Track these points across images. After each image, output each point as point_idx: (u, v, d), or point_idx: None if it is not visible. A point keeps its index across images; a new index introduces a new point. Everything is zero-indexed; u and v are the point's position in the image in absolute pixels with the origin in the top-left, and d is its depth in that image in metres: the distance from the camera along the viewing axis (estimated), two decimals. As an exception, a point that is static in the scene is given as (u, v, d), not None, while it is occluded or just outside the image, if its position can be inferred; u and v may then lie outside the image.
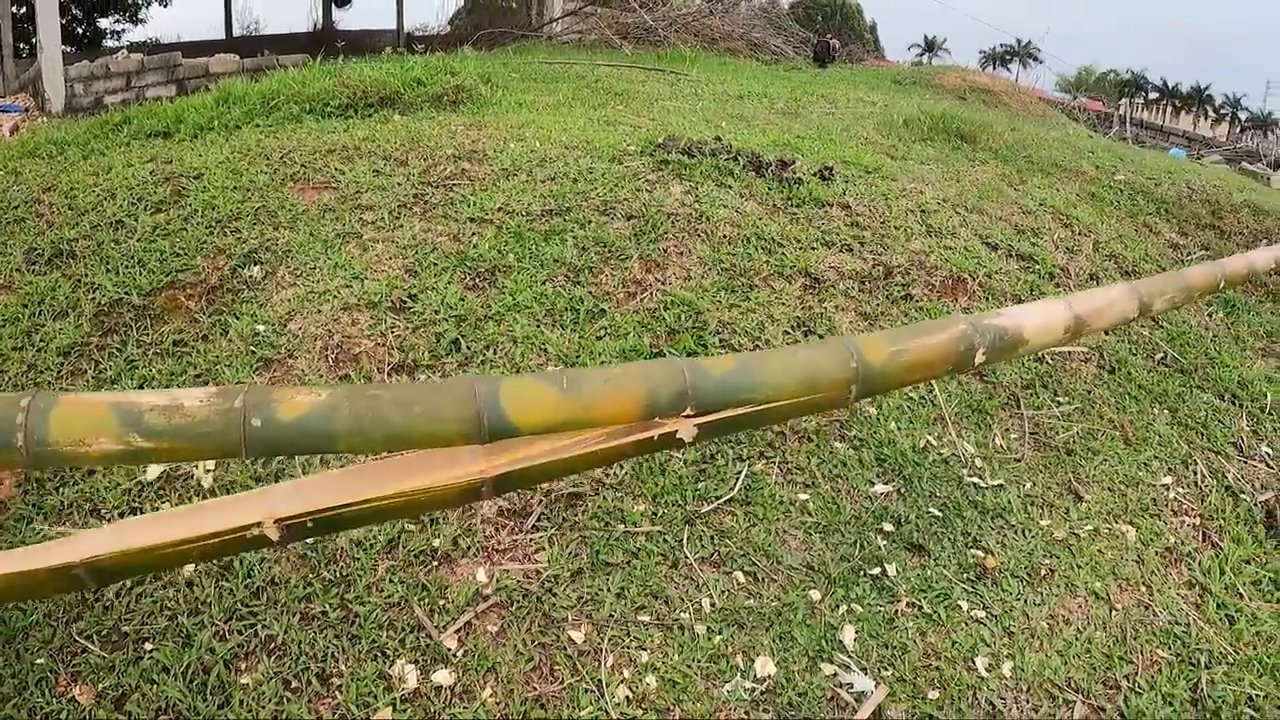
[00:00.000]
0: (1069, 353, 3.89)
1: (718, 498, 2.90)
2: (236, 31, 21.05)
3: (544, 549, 2.65)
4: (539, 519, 2.73)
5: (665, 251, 4.01)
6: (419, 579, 2.52)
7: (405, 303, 3.45)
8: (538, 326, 3.43)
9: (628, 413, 1.51)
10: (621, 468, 2.91)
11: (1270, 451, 3.73)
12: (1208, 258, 5.23)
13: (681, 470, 2.97)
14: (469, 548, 2.62)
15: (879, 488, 3.06)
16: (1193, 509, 3.31)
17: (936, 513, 2.99)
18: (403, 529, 2.62)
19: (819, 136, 5.92)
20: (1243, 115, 62.64)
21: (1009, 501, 3.08)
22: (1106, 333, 4.10)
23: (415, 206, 4.09)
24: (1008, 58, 74.87)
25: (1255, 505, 3.40)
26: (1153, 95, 70.35)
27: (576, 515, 2.76)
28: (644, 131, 5.46)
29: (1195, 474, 3.48)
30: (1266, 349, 4.59)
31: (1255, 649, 2.81)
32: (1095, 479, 3.30)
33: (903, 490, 3.07)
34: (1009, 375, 3.68)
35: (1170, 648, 2.74)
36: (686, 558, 2.69)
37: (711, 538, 2.77)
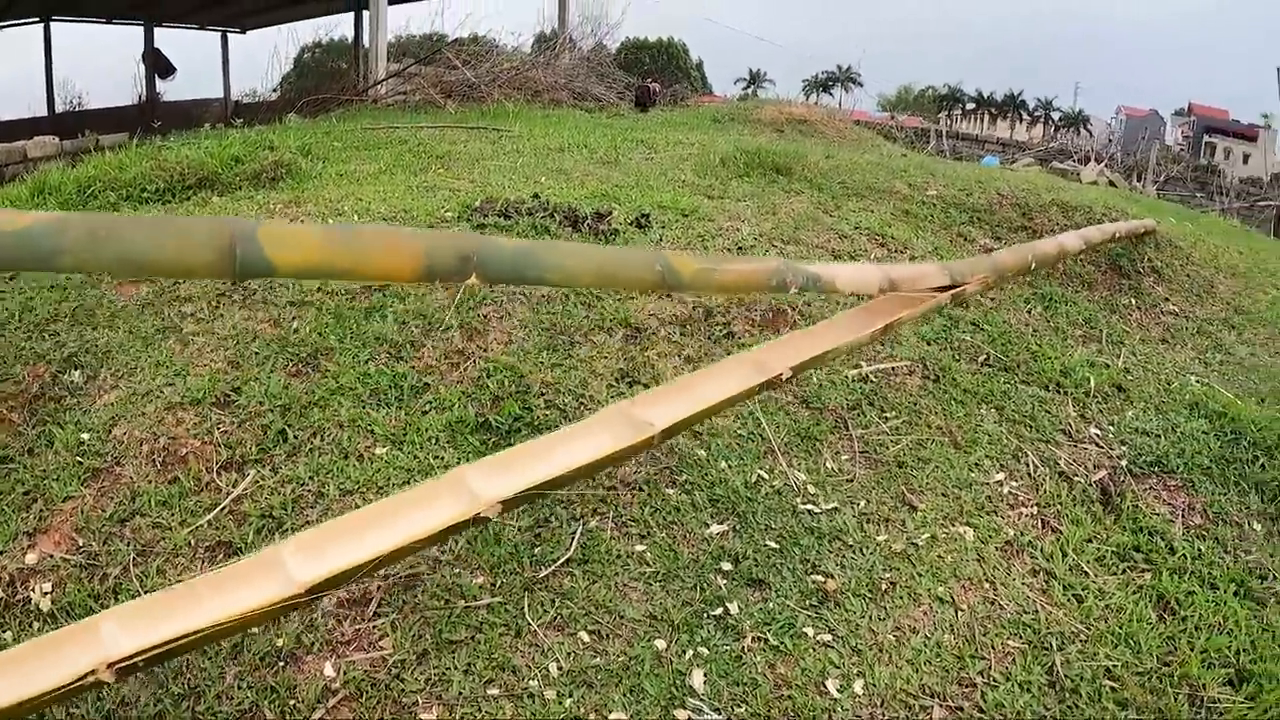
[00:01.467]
0: (891, 369, 4.08)
1: (555, 560, 2.92)
2: (60, 106, 20.26)
3: (388, 634, 2.62)
4: (379, 605, 2.70)
5: (485, 317, 4.06)
6: (267, 682, 2.46)
7: (229, 396, 3.40)
8: (363, 408, 3.42)
9: (401, 269, 1.49)
10: (456, 541, 2.90)
11: (1098, 432, 3.97)
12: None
13: (516, 537, 2.98)
14: (313, 644, 2.57)
15: (714, 528, 3.13)
16: (1029, 500, 3.49)
17: (774, 545, 3.07)
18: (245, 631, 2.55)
19: (637, 184, 6.10)
20: (1055, 115, 67.35)
21: (845, 523, 3.19)
22: (929, 343, 4.32)
23: (235, 294, 4.05)
24: (830, 84, 78.90)
25: (1090, 485, 3.61)
26: (970, 106, 75.09)
27: (416, 596, 2.74)
28: (463, 195, 5.52)
29: (1027, 466, 3.67)
30: (1086, 335, 4.91)
31: (1106, 622, 2.96)
32: (928, 487, 3.45)
33: (738, 527, 3.14)
34: (834, 399, 3.83)
35: (1021, 636, 2.86)
36: (530, 625, 2.70)
37: (553, 601, 2.78)
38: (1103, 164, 18.78)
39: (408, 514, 1.84)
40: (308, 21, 22.46)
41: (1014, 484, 3.56)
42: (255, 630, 2.57)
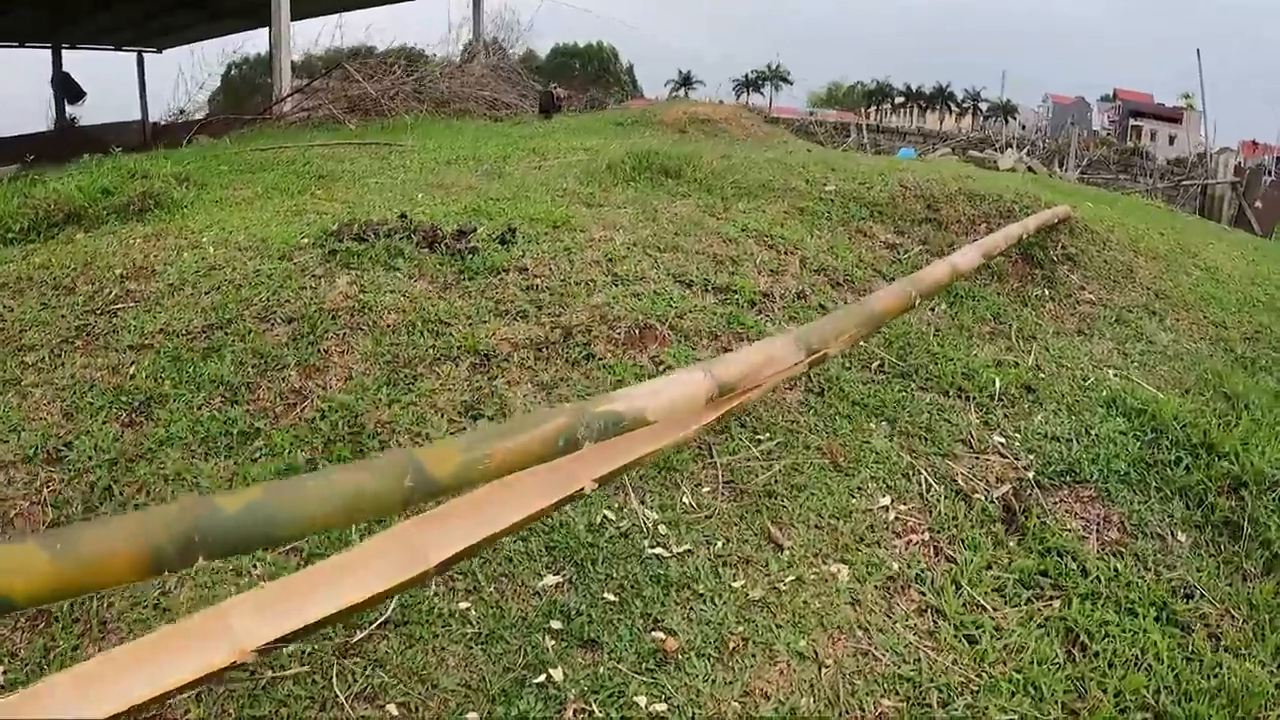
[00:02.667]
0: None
1: (371, 622, 2.59)
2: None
3: (190, 709, 2.33)
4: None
5: (326, 353, 3.77)
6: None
7: (60, 451, 3.23)
8: (191, 459, 3.22)
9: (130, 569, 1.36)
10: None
11: (1003, 440, 3.64)
12: (926, 251, 5.27)
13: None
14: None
15: (548, 580, 2.74)
16: (919, 525, 3.13)
17: (612, 597, 2.68)
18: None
19: (515, 195, 5.71)
20: (983, 106, 68.56)
21: (697, 568, 2.80)
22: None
23: (78, 340, 3.85)
24: (760, 83, 79.79)
25: (991, 503, 3.27)
26: (899, 100, 76.28)
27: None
28: (329, 218, 5.14)
29: (920, 485, 3.32)
30: (994, 332, 4.59)
31: (1003, 667, 2.62)
32: (800, 519, 3.08)
33: (574, 579, 2.75)
34: (698, 419, 3.44)
35: (898, 693, 2.49)
36: (336, 696, 2.40)
37: (364, 669, 2.47)
38: (1022, 151, 18.76)
39: (166, 658, 1.60)
40: (237, 36, 22.03)
41: (902, 507, 3.19)
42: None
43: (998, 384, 3.98)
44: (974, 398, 3.90)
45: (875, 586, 2.81)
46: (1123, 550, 3.11)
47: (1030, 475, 3.40)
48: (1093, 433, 3.67)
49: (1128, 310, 5.07)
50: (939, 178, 6.06)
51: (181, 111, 16.13)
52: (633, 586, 2.73)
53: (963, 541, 3.06)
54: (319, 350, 3.76)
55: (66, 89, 19.89)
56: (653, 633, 2.57)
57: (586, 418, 1.84)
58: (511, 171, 6.90)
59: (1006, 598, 2.87)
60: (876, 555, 2.95)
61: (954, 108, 74.40)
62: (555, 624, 2.61)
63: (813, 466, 3.34)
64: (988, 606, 2.82)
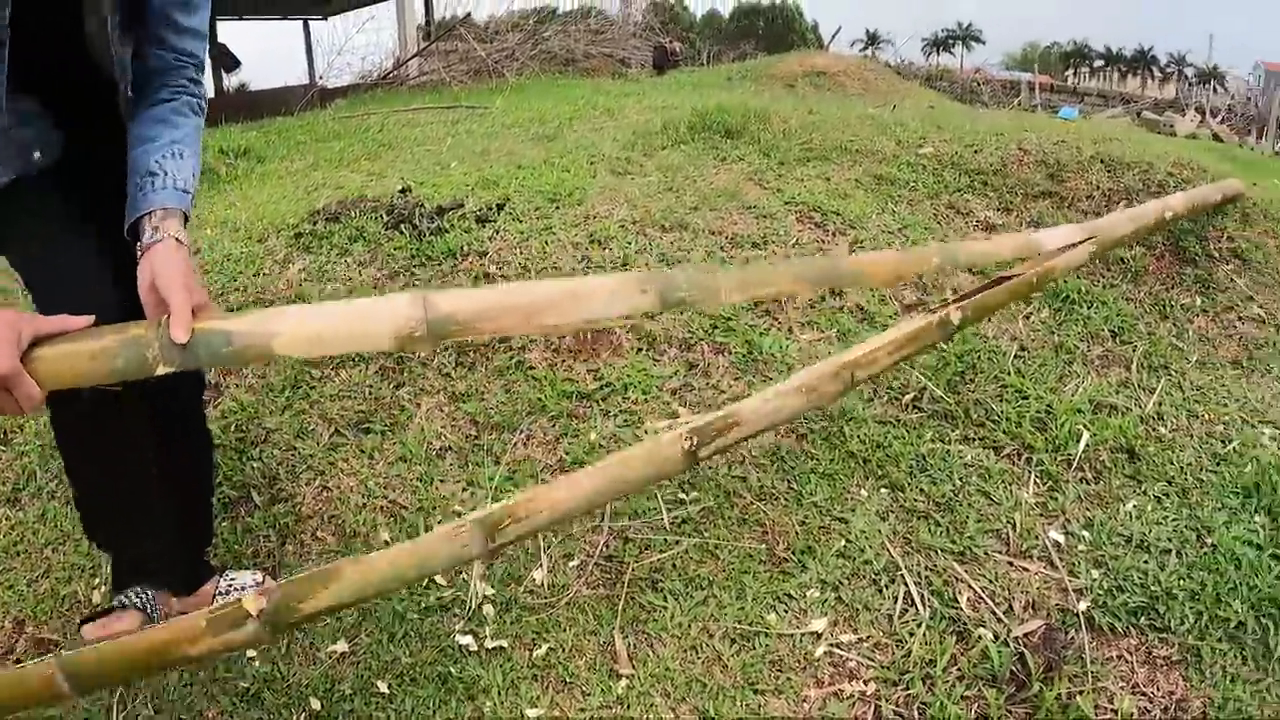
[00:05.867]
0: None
1: None
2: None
3: None
4: None
5: None
6: None
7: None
8: None
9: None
10: None
11: (1061, 538, 2.43)
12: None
13: None
14: None
15: (339, 646, 2.02)
16: (861, 671, 2.00)
17: (384, 689, 1.91)
18: None
19: (544, 163, 4.71)
20: (1189, 71, 62.58)
21: (496, 675, 1.76)
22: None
23: None
24: (951, 43, 75.59)
25: (1003, 647, 2.05)
26: (1098, 63, 70.66)
27: None
28: (344, 192, 4.39)
29: (892, 602, 2.17)
30: (1108, 356, 3.30)
31: None
32: (670, 633, 2.03)
33: (363, 653, 1.93)
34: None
35: None
36: None
37: None
38: (1208, 114, 16.16)
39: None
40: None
41: (846, 637, 2.05)
42: None
43: (1085, 442, 2.72)
44: (1041, 461, 2.66)
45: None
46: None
47: (1082, 607, 2.16)
48: (1208, 541, 2.38)
49: (1312, 335, 3.63)
50: (1073, 140, 4.66)
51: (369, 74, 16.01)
52: (412, 681, 1.84)
53: (927, 711, 1.89)
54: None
55: (223, 60, 20.22)
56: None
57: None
58: (565, 135, 5.90)
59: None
60: (764, 713, 1.83)
61: (1157, 72, 68.47)
62: (315, 703, 1.78)
63: (734, 553, 2.24)
64: None
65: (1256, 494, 2.56)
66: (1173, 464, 2.71)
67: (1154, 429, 2.89)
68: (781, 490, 2.51)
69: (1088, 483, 2.62)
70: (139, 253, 1.47)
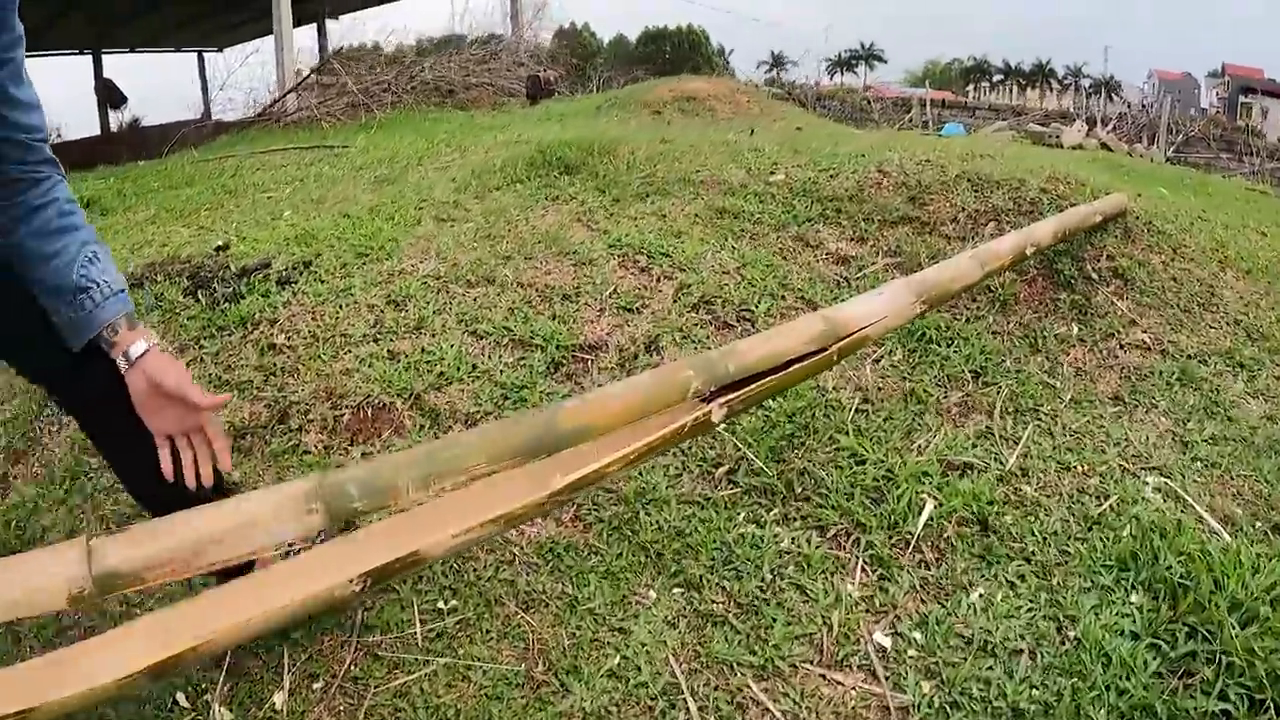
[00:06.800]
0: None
1: None
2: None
3: None
4: None
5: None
6: None
7: None
8: None
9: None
10: None
11: (888, 642, 1.93)
12: (894, 266, 3.52)
13: None
14: None
15: None
16: None
17: None
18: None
19: (371, 212, 4.23)
20: (1086, 83, 64.47)
21: None
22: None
23: None
24: (853, 63, 77.21)
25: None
26: (998, 77, 72.60)
27: None
28: (170, 249, 3.99)
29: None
30: (967, 401, 2.84)
31: None
32: None
33: None
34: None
35: None
36: None
37: None
38: (1097, 125, 16.10)
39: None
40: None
41: None
42: None
43: (927, 514, 2.24)
44: (872, 544, 2.17)
45: None
46: None
47: (908, 737, 1.67)
48: (1071, 635, 1.90)
49: (1200, 360, 3.20)
50: (941, 158, 4.26)
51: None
52: None
53: None
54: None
55: (110, 95, 19.66)
56: None
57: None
58: (408, 176, 5.45)
59: None
60: None
61: (1054, 85, 70.29)
62: None
63: (489, 675, 1.78)
64: None
65: (1134, 566, 2.09)
66: (1033, 534, 2.23)
67: (1015, 489, 2.42)
68: (554, 595, 2.01)
69: (927, 567, 2.13)
70: (121, 364, 1.48)
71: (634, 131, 6.10)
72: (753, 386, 1.90)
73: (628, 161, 4.54)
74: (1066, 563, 2.14)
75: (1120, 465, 2.57)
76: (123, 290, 1.51)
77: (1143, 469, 2.58)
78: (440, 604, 1.96)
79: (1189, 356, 3.20)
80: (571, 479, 1.58)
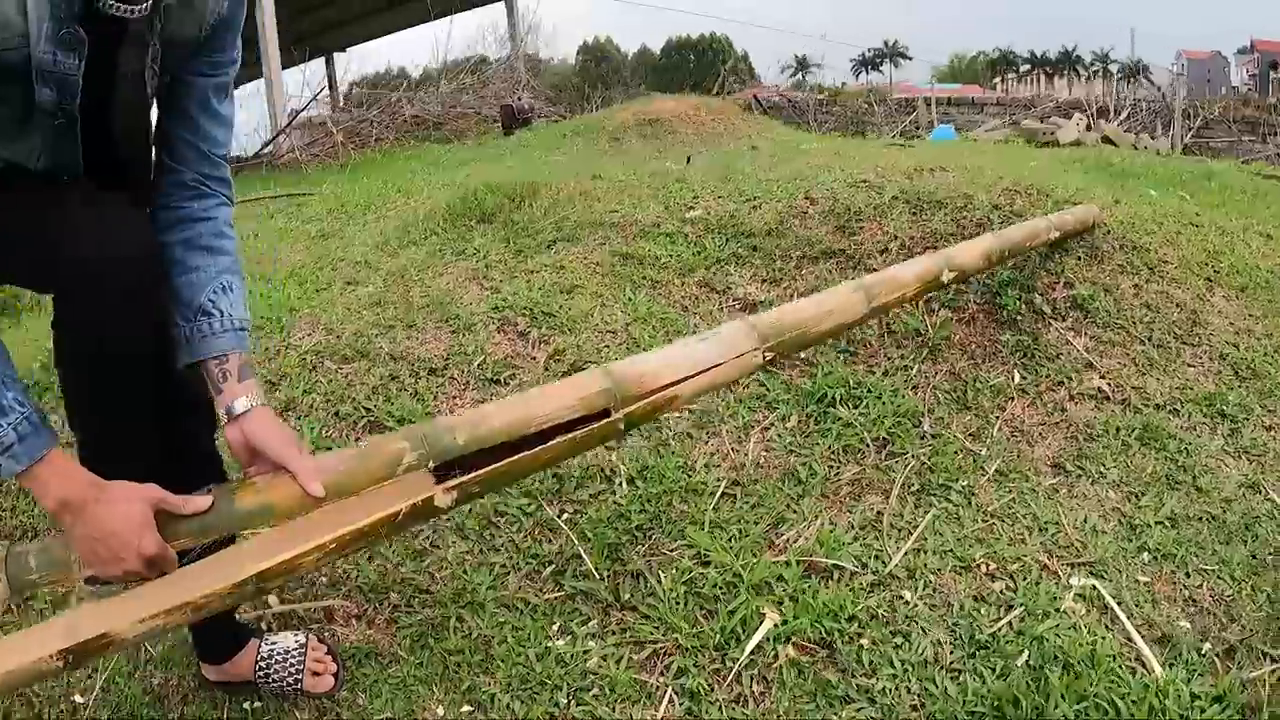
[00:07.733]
0: None
1: None
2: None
3: None
4: None
5: None
6: None
7: None
8: None
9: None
10: None
11: None
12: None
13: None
14: None
15: None
16: None
17: None
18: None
19: (289, 277, 3.90)
20: (1113, 68, 62.69)
21: None
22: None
23: None
24: (878, 61, 76.08)
25: None
26: (1024, 68, 71.05)
27: None
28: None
29: None
30: (860, 481, 2.37)
31: None
32: None
33: None
34: None
35: None
36: None
37: None
38: (1110, 115, 15.15)
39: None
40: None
41: None
42: None
43: (761, 633, 1.81)
44: (689, 668, 1.75)
45: None
46: None
47: None
48: None
49: (1171, 410, 2.67)
50: (881, 177, 3.80)
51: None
52: None
53: None
54: None
55: None
56: None
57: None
58: (344, 230, 5.09)
59: None
60: None
61: (1082, 72, 68.60)
62: None
63: None
64: None
65: (1013, 711, 1.62)
66: (891, 666, 1.76)
67: (892, 598, 1.95)
68: (346, 705, 1.67)
69: (744, 704, 1.68)
70: (222, 415, 1.43)
71: (576, 165, 5.72)
72: (499, 465, 1.48)
73: (546, 206, 4.14)
74: (922, 708, 1.67)
75: (1040, 561, 2.09)
76: (244, 329, 1.47)
77: (1071, 564, 2.09)
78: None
79: (1156, 406, 2.68)
80: (261, 567, 1.32)
